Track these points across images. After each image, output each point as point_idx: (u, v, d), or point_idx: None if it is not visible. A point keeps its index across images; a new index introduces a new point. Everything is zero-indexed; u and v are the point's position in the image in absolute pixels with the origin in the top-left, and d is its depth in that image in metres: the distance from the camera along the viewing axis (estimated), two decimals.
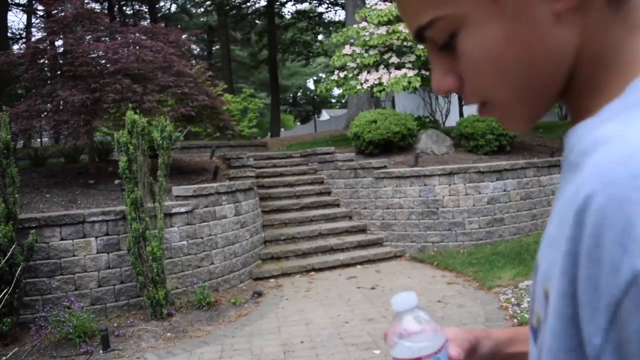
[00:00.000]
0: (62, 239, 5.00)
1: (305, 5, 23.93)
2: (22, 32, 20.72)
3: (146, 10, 23.13)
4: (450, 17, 0.49)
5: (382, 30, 9.07)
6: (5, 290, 4.16)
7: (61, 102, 6.71)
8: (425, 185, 7.41)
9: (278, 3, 23.64)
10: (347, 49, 9.61)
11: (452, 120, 11.46)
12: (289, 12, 28.53)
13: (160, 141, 5.40)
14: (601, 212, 0.39)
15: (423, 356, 0.65)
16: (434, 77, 0.55)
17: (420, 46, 0.56)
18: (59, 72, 7.01)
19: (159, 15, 23.86)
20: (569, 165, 0.49)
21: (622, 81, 0.47)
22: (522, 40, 0.48)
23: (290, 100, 44.27)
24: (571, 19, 0.47)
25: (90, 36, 7.11)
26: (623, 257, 0.37)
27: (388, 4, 9.50)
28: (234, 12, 23.33)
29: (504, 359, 0.69)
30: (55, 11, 7.71)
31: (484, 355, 0.69)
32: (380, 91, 9.00)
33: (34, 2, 18.82)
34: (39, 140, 13.79)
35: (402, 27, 8.47)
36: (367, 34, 9.24)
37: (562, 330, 0.43)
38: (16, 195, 4.72)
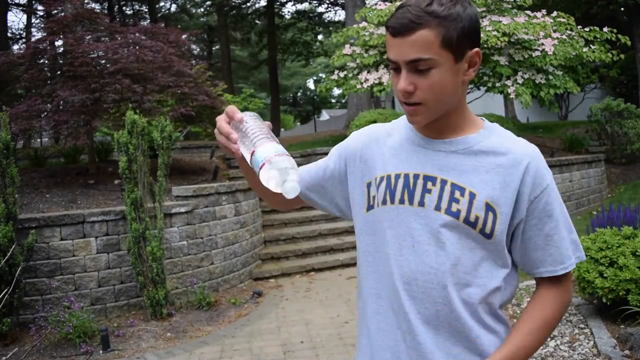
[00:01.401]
0: (62, 239, 5.00)
1: (305, 5, 23.93)
2: (22, 32, 20.70)
3: (146, 10, 23.12)
4: (436, 60, 1.06)
5: (382, 30, 9.06)
6: (5, 291, 4.16)
7: (61, 102, 6.70)
8: None
9: (278, 3, 23.64)
10: (347, 49, 9.60)
11: None
12: (289, 12, 28.58)
13: (160, 141, 5.40)
14: (534, 165, 1.14)
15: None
16: (403, 82, 1.08)
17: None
18: (59, 72, 7.01)
19: (159, 15, 23.85)
20: (478, 152, 1.16)
21: (475, 123, 1.20)
22: (453, 84, 1.10)
23: (290, 100, 44.27)
24: (463, 86, 1.14)
25: (90, 36, 7.11)
26: (543, 179, 1.15)
27: (388, 4, 9.49)
28: (234, 12, 23.32)
29: None
30: (55, 11, 7.70)
31: None
32: (380, 91, 8.99)
33: (34, 2, 18.81)
34: (39, 140, 13.77)
35: None
36: (367, 34, 9.24)
37: (508, 207, 1.12)
38: (16, 195, 4.72)
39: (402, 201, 1.16)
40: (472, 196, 1.12)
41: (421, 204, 1.14)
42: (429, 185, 1.14)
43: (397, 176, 1.18)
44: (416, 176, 1.16)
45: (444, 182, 1.14)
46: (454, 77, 1.09)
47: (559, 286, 1.20)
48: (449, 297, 1.13)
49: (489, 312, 1.17)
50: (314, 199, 1.36)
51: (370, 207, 1.23)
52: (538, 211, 1.14)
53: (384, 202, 1.18)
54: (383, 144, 1.25)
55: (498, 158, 1.14)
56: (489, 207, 1.12)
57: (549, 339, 3.84)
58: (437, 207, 1.13)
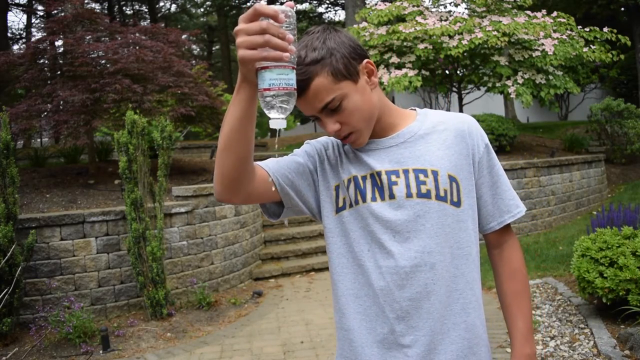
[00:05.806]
0: (62, 239, 5.00)
1: (305, 6, 23.93)
2: (22, 32, 20.70)
3: (146, 10, 23.11)
4: (340, 95, 1.14)
5: (382, 30, 9.08)
6: (5, 291, 4.17)
7: (61, 102, 6.70)
8: None
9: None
10: None
11: None
12: None
13: (160, 141, 5.39)
14: (473, 128, 1.29)
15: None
16: (329, 125, 1.18)
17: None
18: (59, 72, 7.01)
19: (159, 15, 23.84)
20: (424, 135, 1.26)
21: (409, 115, 1.32)
22: (365, 100, 1.18)
23: None
24: (374, 90, 1.22)
25: (90, 36, 7.10)
26: (482, 140, 1.29)
27: (388, 4, 9.50)
28: (234, 12, 23.32)
29: None
30: (55, 11, 7.71)
31: None
32: None
33: (34, 2, 18.81)
34: (39, 140, 13.76)
35: (402, 27, 8.46)
36: (367, 34, 9.24)
37: (468, 173, 1.26)
38: (16, 195, 4.72)
39: (374, 199, 1.22)
40: (435, 173, 1.22)
41: (392, 197, 1.21)
42: (393, 178, 1.22)
43: (364, 177, 1.24)
44: (379, 173, 1.23)
45: (406, 171, 1.22)
46: (362, 95, 1.17)
47: (508, 235, 1.34)
48: (439, 274, 1.20)
49: (475, 276, 1.26)
50: (289, 191, 1.26)
51: (340, 209, 1.26)
52: (483, 167, 1.28)
53: (357, 202, 1.24)
54: (341, 151, 1.31)
55: (442, 134, 1.26)
56: (452, 179, 1.23)
57: (549, 339, 3.84)
58: (409, 194, 1.21)
